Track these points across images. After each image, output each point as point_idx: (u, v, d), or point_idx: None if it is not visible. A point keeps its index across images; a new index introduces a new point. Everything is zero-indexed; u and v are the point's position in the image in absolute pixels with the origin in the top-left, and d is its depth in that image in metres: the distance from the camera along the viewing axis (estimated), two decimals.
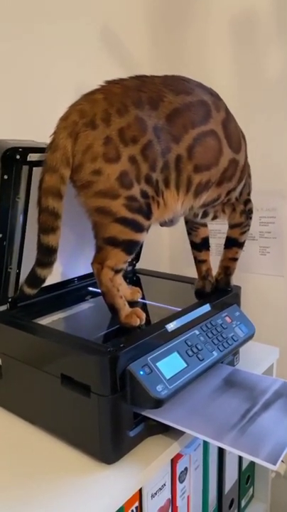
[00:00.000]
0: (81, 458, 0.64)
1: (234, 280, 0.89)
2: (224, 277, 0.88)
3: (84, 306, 0.86)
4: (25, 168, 0.69)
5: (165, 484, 0.72)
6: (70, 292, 0.89)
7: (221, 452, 0.87)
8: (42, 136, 0.72)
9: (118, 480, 0.60)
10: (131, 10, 1.17)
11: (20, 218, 0.72)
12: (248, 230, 0.87)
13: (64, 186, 0.65)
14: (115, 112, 0.65)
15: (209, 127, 0.72)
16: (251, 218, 0.87)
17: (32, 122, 0.92)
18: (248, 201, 0.85)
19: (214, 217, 0.85)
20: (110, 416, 0.61)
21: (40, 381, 0.67)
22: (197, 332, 0.73)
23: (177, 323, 0.71)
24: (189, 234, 0.89)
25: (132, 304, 0.80)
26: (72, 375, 0.63)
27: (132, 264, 1.03)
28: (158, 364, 0.64)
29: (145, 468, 0.62)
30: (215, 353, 0.72)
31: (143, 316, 0.71)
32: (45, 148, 0.67)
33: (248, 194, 0.86)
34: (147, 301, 0.87)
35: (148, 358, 0.64)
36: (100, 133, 0.65)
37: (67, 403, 0.64)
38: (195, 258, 0.89)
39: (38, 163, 0.70)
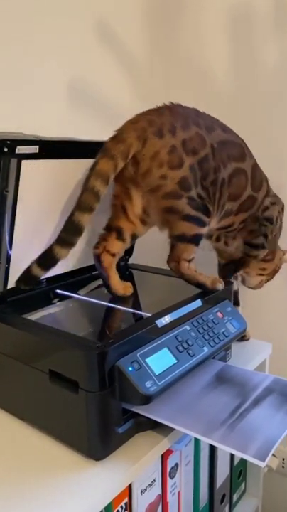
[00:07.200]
0: (69, 454, 0.63)
1: None
2: (232, 266, 0.96)
3: (74, 301, 0.85)
4: (13, 161, 0.68)
5: (155, 480, 0.71)
6: (60, 287, 0.88)
7: (212, 447, 0.87)
8: (31, 128, 0.71)
9: (106, 476, 0.60)
10: (127, 2, 1.15)
11: (9, 212, 0.71)
12: (260, 234, 0.92)
13: (113, 175, 0.72)
14: (179, 126, 0.75)
15: (244, 166, 0.84)
16: (265, 226, 0.90)
17: (21, 115, 0.90)
18: (266, 209, 0.90)
19: (225, 244, 0.94)
20: (98, 412, 0.60)
21: (29, 377, 0.67)
22: (187, 327, 0.72)
23: (168, 318, 0.70)
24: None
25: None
26: (61, 370, 0.62)
27: (125, 259, 1.02)
28: (147, 360, 0.64)
29: (134, 464, 0.62)
30: (206, 349, 0.72)
31: (222, 281, 0.82)
32: (36, 141, 0.67)
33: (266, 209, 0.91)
34: (139, 296, 0.86)
35: (138, 354, 0.63)
36: (166, 142, 0.73)
37: (55, 399, 0.64)
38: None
39: (27, 156, 0.69)
